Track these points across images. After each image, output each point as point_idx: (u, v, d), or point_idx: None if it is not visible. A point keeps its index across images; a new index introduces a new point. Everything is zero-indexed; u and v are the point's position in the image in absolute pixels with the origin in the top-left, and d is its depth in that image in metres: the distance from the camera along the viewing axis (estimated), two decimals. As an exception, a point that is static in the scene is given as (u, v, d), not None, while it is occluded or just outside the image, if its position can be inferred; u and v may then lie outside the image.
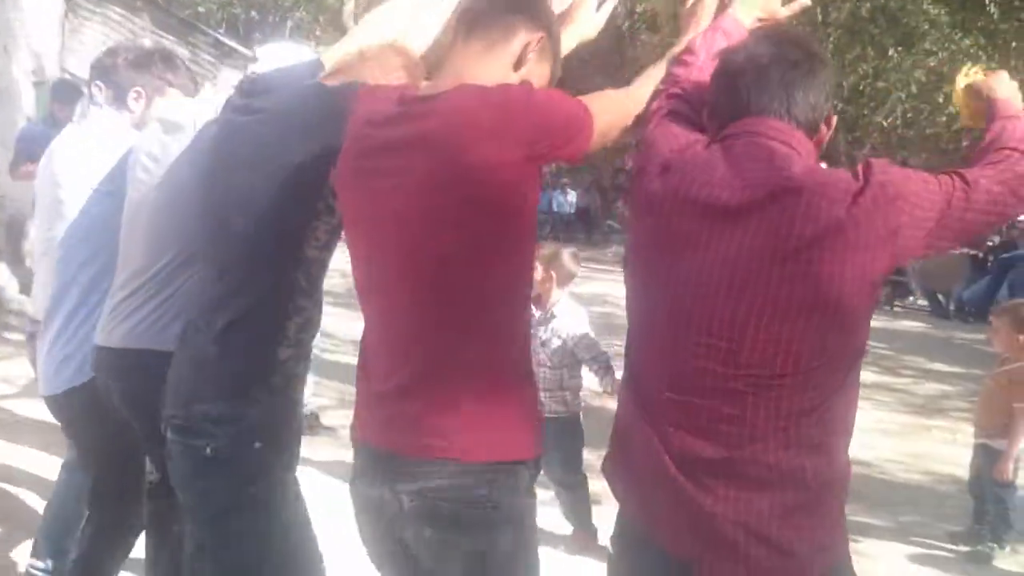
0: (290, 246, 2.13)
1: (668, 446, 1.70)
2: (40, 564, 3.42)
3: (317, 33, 24.75)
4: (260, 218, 2.08)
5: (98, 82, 3.09)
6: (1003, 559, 4.50)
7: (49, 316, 2.81)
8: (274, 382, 2.16)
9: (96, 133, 2.85)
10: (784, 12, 2.10)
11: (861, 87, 17.31)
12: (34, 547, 3.51)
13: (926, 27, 16.79)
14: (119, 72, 2.93)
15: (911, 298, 14.07)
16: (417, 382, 1.77)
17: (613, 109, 1.87)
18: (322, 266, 2.25)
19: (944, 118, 16.64)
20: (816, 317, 1.59)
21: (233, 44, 14.07)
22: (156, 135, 2.47)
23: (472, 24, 1.85)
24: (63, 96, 7.97)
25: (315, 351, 2.90)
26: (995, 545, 4.52)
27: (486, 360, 1.77)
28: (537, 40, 1.86)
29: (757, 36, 1.86)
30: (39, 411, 6.03)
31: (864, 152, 17.18)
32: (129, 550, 3.00)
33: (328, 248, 2.22)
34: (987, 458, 4.55)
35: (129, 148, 2.66)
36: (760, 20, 1.97)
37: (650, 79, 2.00)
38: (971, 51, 15.90)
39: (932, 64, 16.43)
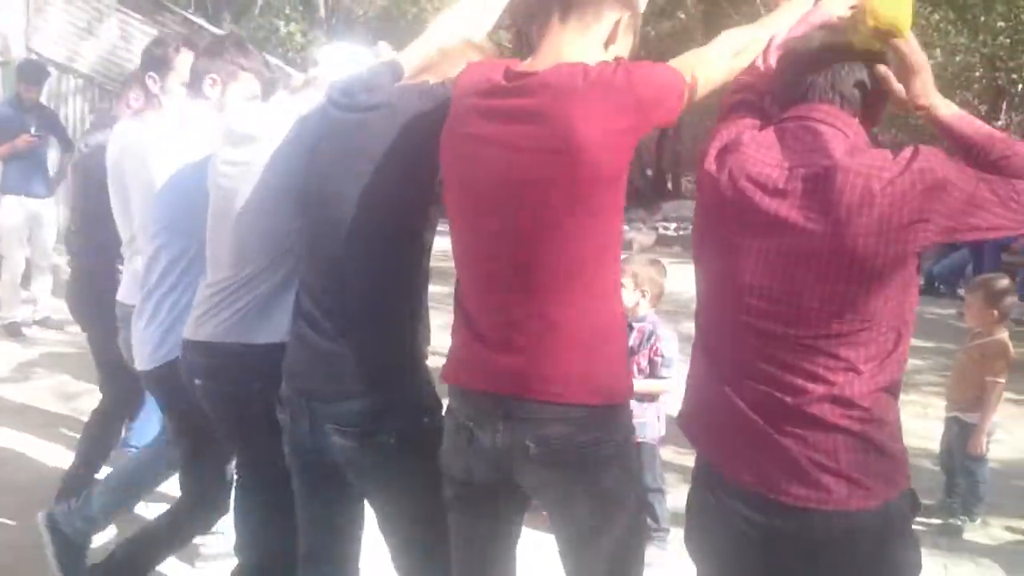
0: (411, 231, 2.26)
1: (741, 396, 1.91)
2: (61, 509, 3.54)
3: (287, 11, 24.53)
4: (383, 206, 2.21)
5: (152, 73, 3.34)
6: (974, 532, 4.57)
7: (148, 296, 2.96)
8: (416, 359, 2.32)
9: (185, 123, 2.95)
10: None
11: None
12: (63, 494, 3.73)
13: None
14: (171, 60, 3.25)
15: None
16: (531, 336, 1.96)
17: (707, 74, 1.99)
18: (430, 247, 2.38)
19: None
20: (858, 283, 1.79)
21: (202, 23, 13.92)
22: (232, 145, 2.56)
23: (567, 6, 2.02)
24: (28, 77, 7.88)
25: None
26: (966, 518, 4.58)
27: (591, 314, 1.96)
28: (625, 20, 2.06)
29: (813, 25, 2.00)
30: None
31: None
32: (202, 530, 3.20)
33: (435, 229, 2.34)
34: (959, 431, 4.60)
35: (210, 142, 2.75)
36: (852, 7, 2.01)
37: (743, 45, 2.06)
38: (941, 26, 15.98)
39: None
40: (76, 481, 4.02)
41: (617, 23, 2.04)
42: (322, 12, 26.10)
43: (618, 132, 1.88)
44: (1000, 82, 16.57)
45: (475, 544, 2.18)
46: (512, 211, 1.95)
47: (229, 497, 2.95)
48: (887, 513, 1.85)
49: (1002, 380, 4.48)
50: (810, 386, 1.84)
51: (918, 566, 1.92)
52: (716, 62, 2.02)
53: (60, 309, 8.34)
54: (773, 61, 2.01)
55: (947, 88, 13.93)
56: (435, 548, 2.25)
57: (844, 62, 1.93)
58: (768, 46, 2.02)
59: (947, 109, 1.97)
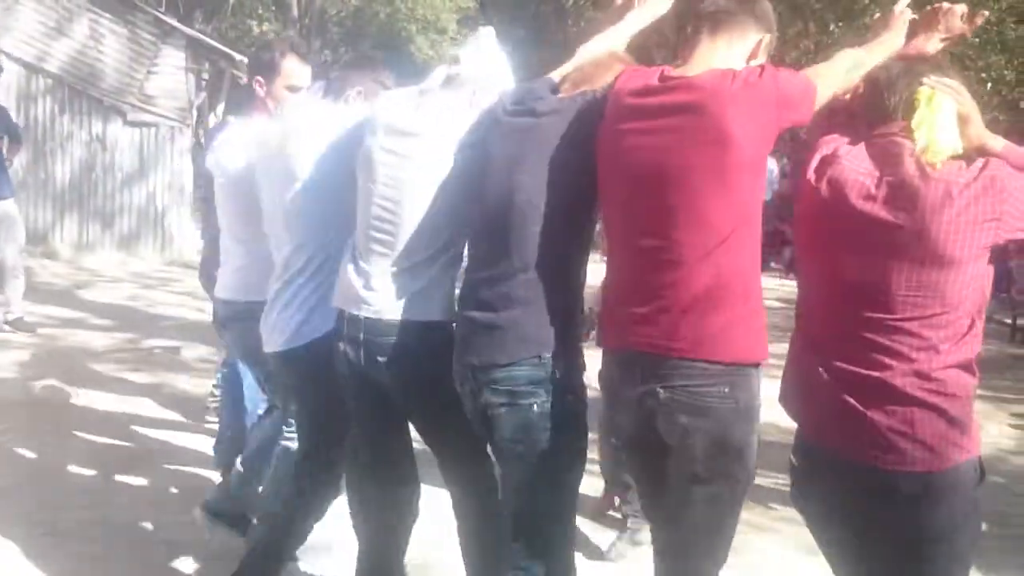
0: (577, 222, 2.55)
1: (832, 374, 2.21)
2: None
3: (259, 11, 24.44)
4: (554, 199, 2.48)
5: (259, 77, 3.55)
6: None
7: (288, 283, 3.11)
8: (570, 342, 2.54)
9: (330, 120, 3.11)
10: (963, 28, 2.56)
11: (803, 62, 17.48)
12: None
13: (867, 2, 16.98)
14: (278, 65, 3.51)
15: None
16: (677, 302, 2.28)
17: (828, 84, 2.33)
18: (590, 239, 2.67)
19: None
20: (939, 273, 2.11)
21: (173, 23, 13.81)
22: (391, 138, 2.79)
23: (716, 24, 2.39)
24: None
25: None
26: None
27: (731, 285, 2.28)
28: (766, 40, 2.44)
29: (896, 55, 2.44)
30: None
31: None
32: (324, 510, 3.27)
33: (595, 223, 2.62)
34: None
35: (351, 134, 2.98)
36: (943, 40, 2.47)
37: (856, 64, 2.40)
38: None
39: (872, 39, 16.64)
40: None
41: (759, 43, 2.43)
42: (295, 12, 26.01)
43: (762, 127, 2.22)
44: (971, 81, 16.72)
45: (645, 495, 2.60)
46: (665, 193, 2.28)
47: (340, 479, 3.23)
48: (956, 475, 2.13)
49: None
50: (894, 363, 2.15)
51: (979, 524, 2.23)
52: (834, 78, 2.35)
53: (32, 311, 8.31)
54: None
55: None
56: (562, 514, 2.62)
57: (908, 88, 2.26)
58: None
59: (997, 144, 2.28)
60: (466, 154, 2.71)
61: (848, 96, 2.40)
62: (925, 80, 2.25)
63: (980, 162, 2.14)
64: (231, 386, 4.51)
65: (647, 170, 2.31)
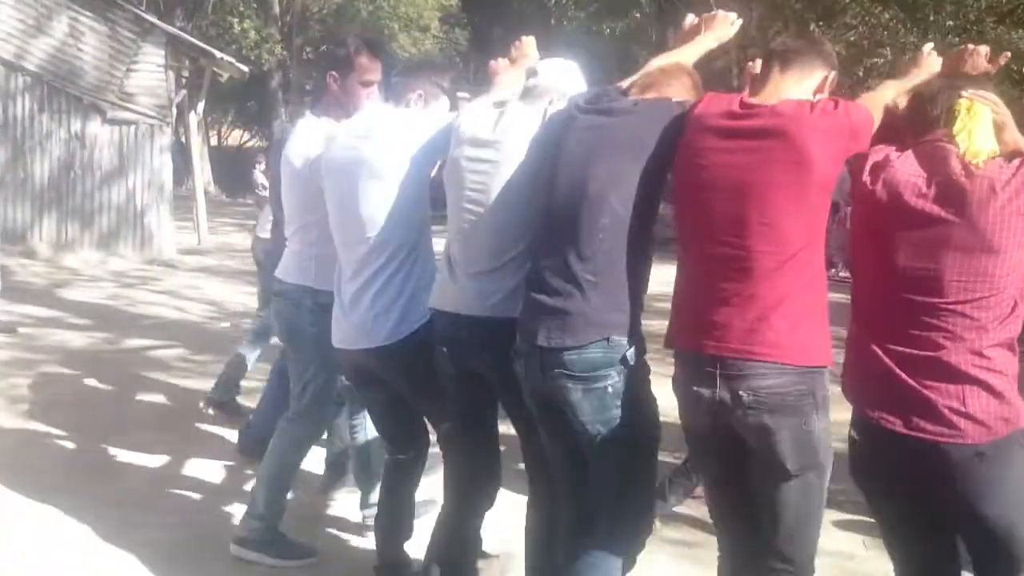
0: (646, 214, 2.73)
1: (891, 356, 2.45)
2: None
3: (240, 8, 24.33)
4: (627, 191, 2.68)
5: (333, 72, 3.70)
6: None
7: (371, 279, 3.24)
8: (635, 325, 2.73)
9: (409, 123, 3.28)
10: (988, 67, 2.96)
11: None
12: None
13: (847, 1, 17.08)
14: (353, 60, 3.66)
15: (833, 270, 14.35)
16: (749, 308, 2.49)
17: (878, 116, 2.65)
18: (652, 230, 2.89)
19: (864, 91, 16.92)
20: (986, 259, 2.37)
21: (153, 20, 13.76)
22: (477, 147, 3.01)
23: (786, 61, 2.66)
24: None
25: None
26: None
27: (799, 294, 2.51)
28: (831, 77, 2.70)
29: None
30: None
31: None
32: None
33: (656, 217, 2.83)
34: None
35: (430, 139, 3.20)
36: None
37: (896, 96, 2.80)
38: (891, 25, 16.22)
39: (852, 38, 16.71)
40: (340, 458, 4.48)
41: (824, 79, 2.68)
42: (276, 9, 25.94)
43: (836, 152, 2.50)
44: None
45: (716, 487, 2.82)
46: (745, 206, 2.50)
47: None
48: (1004, 445, 2.39)
49: None
50: (948, 343, 2.41)
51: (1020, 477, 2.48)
52: (880, 110, 2.68)
53: (11, 310, 8.26)
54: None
55: (897, 86, 14.12)
56: (640, 484, 2.84)
57: (948, 100, 2.54)
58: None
59: None
60: (539, 150, 2.90)
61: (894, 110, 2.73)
62: (964, 92, 2.53)
63: (1017, 160, 2.40)
64: (281, 379, 4.58)
65: (729, 185, 2.54)
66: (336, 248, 3.38)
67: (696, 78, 2.92)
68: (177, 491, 4.51)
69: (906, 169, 2.49)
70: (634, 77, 2.96)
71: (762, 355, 2.48)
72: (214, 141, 31.11)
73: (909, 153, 2.52)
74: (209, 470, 4.80)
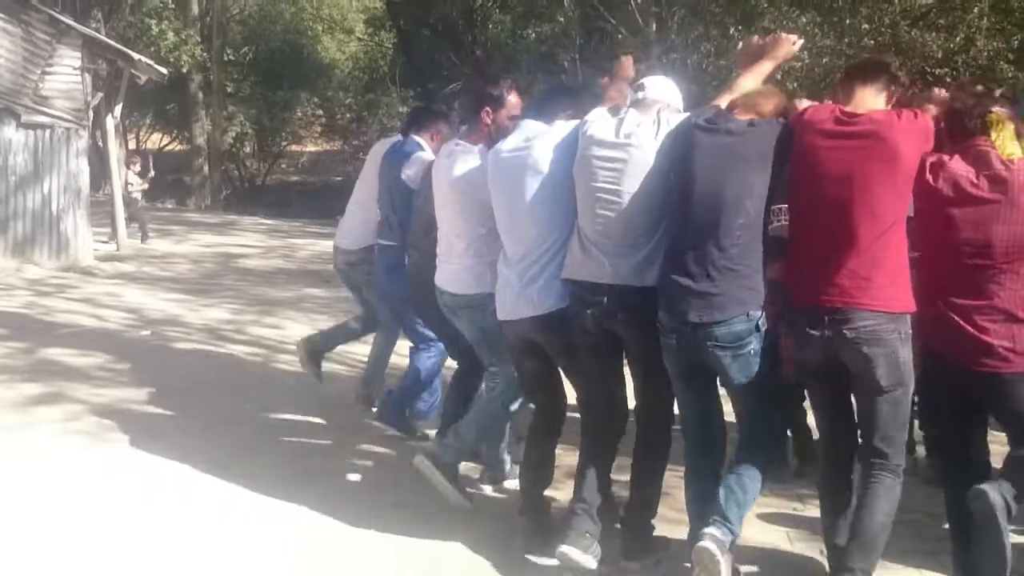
0: (765, 211, 3.57)
1: (953, 309, 3.46)
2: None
3: (159, 10, 23.87)
4: (748, 193, 3.51)
5: (487, 108, 4.51)
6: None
7: (533, 263, 4.00)
8: (761, 298, 3.53)
9: (557, 132, 4.03)
10: (793, 52, 4.00)
11: (704, 65, 17.82)
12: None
13: (765, 5, 17.36)
14: (504, 98, 4.50)
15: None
16: (851, 270, 3.36)
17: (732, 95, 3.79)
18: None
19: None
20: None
21: (69, 21, 13.43)
22: (608, 149, 3.78)
23: (866, 77, 3.59)
24: None
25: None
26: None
27: (890, 259, 3.39)
28: (897, 90, 3.65)
29: (963, 94, 3.99)
30: None
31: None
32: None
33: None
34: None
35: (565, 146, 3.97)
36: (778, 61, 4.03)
37: (753, 84, 3.88)
38: (808, 28, 16.50)
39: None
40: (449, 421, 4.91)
41: (891, 92, 3.61)
42: (195, 11, 25.53)
43: (918, 151, 3.41)
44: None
45: (824, 406, 3.71)
46: (851, 192, 3.36)
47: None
48: None
49: None
50: (1000, 292, 3.41)
51: None
52: (739, 91, 3.82)
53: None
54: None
55: (814, 89, 14.41)
56: (763, 413, 3.73)
57: (982, 115, 3.57)
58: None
59: None
60: (667, 159, 3.68)
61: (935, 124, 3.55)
62: (993, 109, 3.56)
63: None
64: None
65: (835, 177, 3.39)
66: (503, 239, 4.14)
67: (782, 98, 3.78)
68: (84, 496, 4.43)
69: (960, 168, 3.46)
70: (732, 97, 3.78)
71: (866, 305, 3.34)
72: (132, 145, 30.49)
73: (957, 157, 3.48)
74: (128, 476, 4.70)
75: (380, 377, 6.20)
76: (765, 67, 3.93)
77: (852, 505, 3.64)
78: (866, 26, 17.28)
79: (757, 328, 3.52)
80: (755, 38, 4.02)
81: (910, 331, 3.43)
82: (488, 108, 4.50)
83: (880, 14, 17.33)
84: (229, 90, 29.07)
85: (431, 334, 5.39)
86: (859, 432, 3.62)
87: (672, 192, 3.67)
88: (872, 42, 17.04)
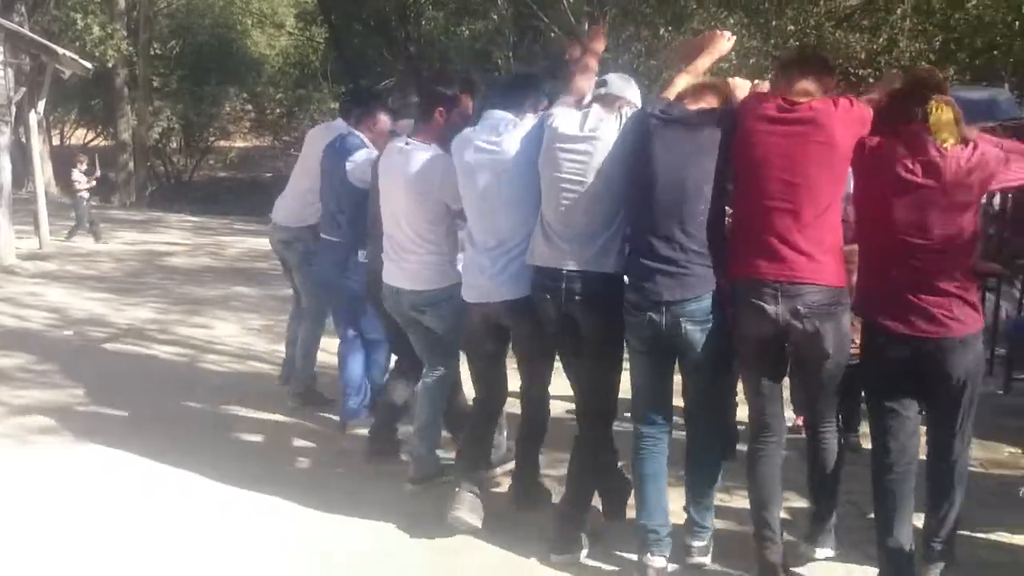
0: (721, 191, 3.79)
1: (899, 282, 3.63)
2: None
3: (84, 3, 23.41)
4: (708, 177, 3.74)
5: (440, 108, 4.58)
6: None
7: (504, 253, 4.18)
8: (717, 273, 3.76)
9: (524, 127, 4.19)
10: (728, 49, 4.25)
11: (635, 65, 17.94)
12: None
13: (694, 6, 17.58)
14: (459, 99, 4.65)
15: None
16: (797, 245, 3.60)
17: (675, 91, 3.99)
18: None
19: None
20: (960, 214, 3.57)
21: (-12, 14, 13.11)
22: (571, 143, 3.96)
23: (805, 68, 3.77)
24: None
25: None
26: None
27: (831, 235, 3.66)
28: (833, 80, 3.85)
29: (898, 78, 4.14)
30: None
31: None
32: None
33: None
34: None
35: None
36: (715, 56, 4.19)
37: (691, 80, 4.02)
38: (735, 29, 16.74)
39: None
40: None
41: (830, 81, 3.80)
42: (122, 5, 25.04)
43: (854, 135, 3.65)
44: (790, 83, 17.50)
45: (758, 375, 3.85)
46: (792, 173, 3.61)
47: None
48: (975, 336, 3.68)
49: None
50: (936, 269, 3.58)
51: (983, 363, 3.97)
52: (680, 88, 3.99)
53: None
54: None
55: (742, 89, 14.61)
56: (722, 384, 4.15)
57: (922, 99, 3.63)
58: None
59: (972, 133, 3.63)
60: (628, 148, 3.88)
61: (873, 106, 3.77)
62: (933, 97, 3.60)
63: (971, 146, 3.56)
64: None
65: (777, 159, 3.63)
66: (472, 227, 4.30)
67: (725, 87, 3.96)
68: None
69: (895, 151, 3.60)
70: (677, 90, 3.96)
71: (811, 279, 3.61)
72: (56, 141, 29.85)
73: (894, 140, 3.62)
74: (48, 480, 4.62)
75: (311, 371, 6.26)
76: (702, 64, 4.11)
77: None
78: (792, 27, 17.61)
79: (720, 304, 3.78)
80: (691, 39, 4.37)
81: (848, 301, 3.75)
82: (442, 108, 4.60)
83: (805, 15, 17.67)
84: (155, 85, 28.59)
85: (374, 333, 5.54)
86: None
87: (633, 182, 3.86)
88: (797, 43, 17.36)
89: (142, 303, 9.80)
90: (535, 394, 4.46)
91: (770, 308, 3.62)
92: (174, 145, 31.02)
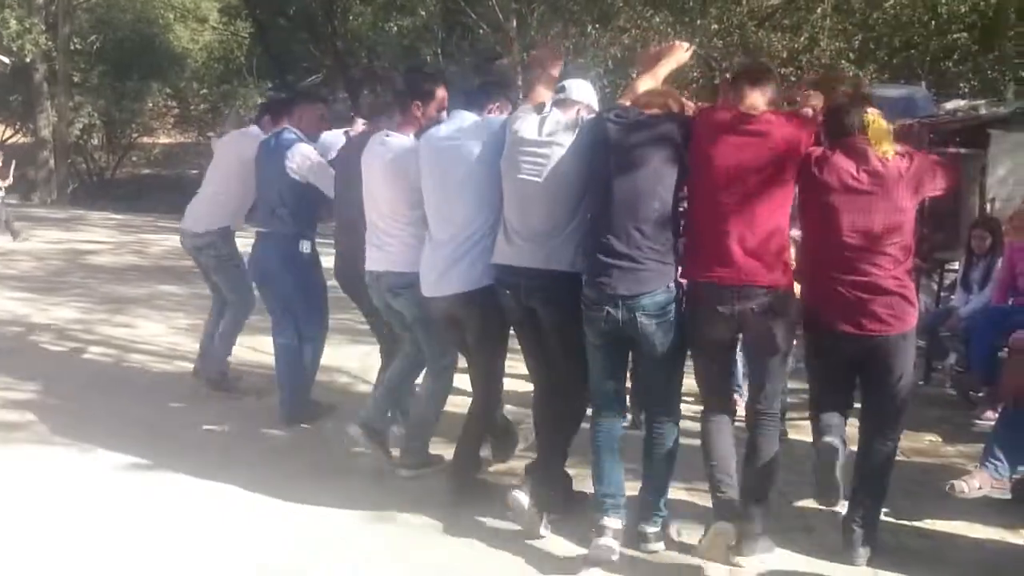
0: (678, 196, 4.01)
1: (841, 283, 3.91)
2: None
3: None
4: (661, 176, 3.96)
5: (417, 101, 4.86)
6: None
7: (459, 245, 4.39)
8: (677, 272, 4.02)
9: (487, 127, 4.44)
10: (686, 59, 4.60)
11: (564, 63, 18.08)
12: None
13: (620, 4, 17.74)
14: (435, 92, 4.88)
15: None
16: (745, 249, 3.85)
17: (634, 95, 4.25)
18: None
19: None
20: (899, 217, 3.89)
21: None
22: (532, 147, 4.18)
23: (755, 82, 4.00)
24: None
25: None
26: None
27: (776, 238, 3.90)
28: (777, 93, 4.07)
29: (846, 95, 4.38)
30: None
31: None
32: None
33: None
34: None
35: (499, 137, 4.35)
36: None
37: (652, 84, 4.33)
38: (661, 28, 16.94)
39: (626, 41, 17.36)
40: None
41: (775, 91, 4.05)
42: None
43: (797, 145, 3.91)
44: (716, 81, 17.76)
45: (713, 368, 4.17)
46: (745, 179, 3.86)
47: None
48: (912, 333, 4.02)
49: None
50: (878, 271, 3.89)
51: (914, 355, 4.17)
52: (637, 93, 4.28)
53: None
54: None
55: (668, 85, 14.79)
56: (675, 375, 4.20)
57: (859, 115, 4.00)
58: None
59: (897, 147, 3.98)
60: (587, 152, 4.09)
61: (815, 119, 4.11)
62: (869, 110, 3.99)
63: (908, 156, 3.94)
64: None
65: (730, 165, 3.87)
66: (429, 219, 4.53)
67: (678, 97, 4.22)
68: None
69: (841, 162, 3.91)
70: (636, 97, 4.17)
71: (760, 282, 3.86)
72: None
73: (838, 152, 3.94)
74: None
75: (226, 358, 6.44)
76: (662, 70, 4.39)
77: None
78: (716, 26, 17.86)
79: (677, 299, 3.99)
80: (652, 48, 4.67)
81: (794, 302, 4.02)
82: (418, 102, 4.85)
83: (729, 15, 17.94)
84: (76, 80, 27.90)
85: (311, 328, 5.80)
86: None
87: (591, 182, 4.09)
88: (721, 42, 17.63)
89: (65, 302, 9.60)
90: (483, 382, 4.68)
91: (725, 310, 3.89)
92: (96, 142, 30.31)
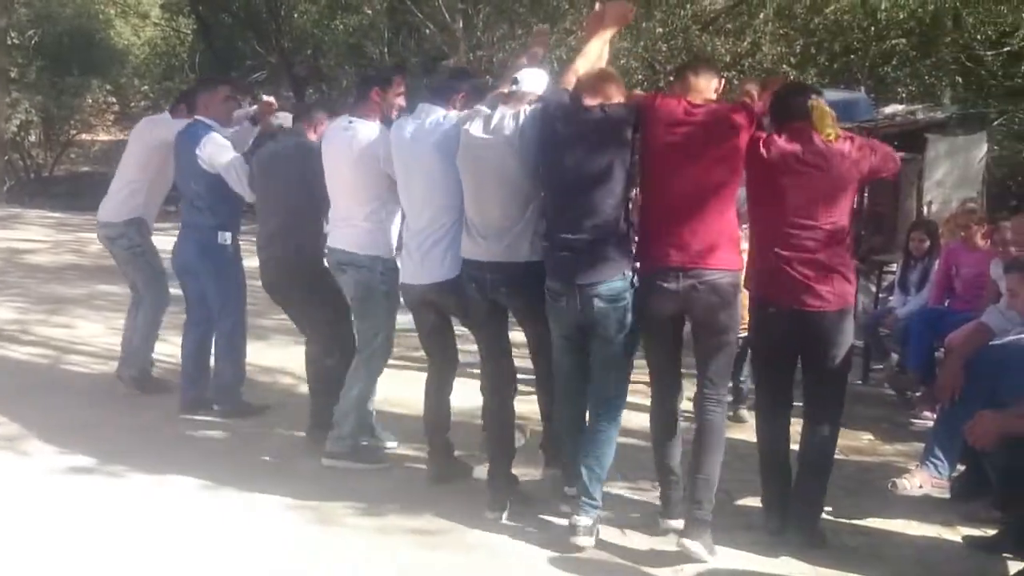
0: (625, 181, 4.13)
1: (786, 261, 4.06)
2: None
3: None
4: (610, 167, 4.05)
5: (377, 88, 5.00)
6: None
7: (431, 235, 4.56)
8: (630, 256, 4.18)
9: (453, 122, 4.51)
10: (628, 18, 4.79)
11: (510, 63, 18.13)
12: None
13: (567, 6, 17.81)
14: (393, 81, 5.08)
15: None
16: (696, 235, 3.99)
17: (587, 64, 4.41)
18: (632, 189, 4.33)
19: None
20: (840, 196, 4.08)
21: None
22: (482, 139, 4.28)
23: (698, 72, 4.23)
24: None
25: None
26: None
27: (728, 226, 4.07)
28: (722, 81, 4.36)
29: (785, 84, 4.84)
30: None
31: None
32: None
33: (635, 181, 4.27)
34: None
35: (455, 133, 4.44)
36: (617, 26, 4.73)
37: (599, 47, 4.54)
38: (607, 31, 16.99)
39: (572, 42, 17.43)
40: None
41: (719, 82, 4.30)
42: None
43: (739, 128, 4.02)
44: (660, 83, 17.92)
45: (662, 349, 4.28)
46: (689, 168, 4.00)
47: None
48: (848, 309, 4.18)
49: None
50: (820, 248, 4.04)
51: (852, 333, 4.28)
52: (594, 59, 4.48)
53: None
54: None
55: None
56: (624, 362, 4.27)
57: (804, 100, 4.15)
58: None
59: (840, 131, 4.12)
60: (535, 145, 4.19)
61: (760, 106, 4.25)
62: (812, 97, 4.12)
63: (851, 140, 4.10)
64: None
65: (680, 154, 4.00)
66: (404, 211, 4.72)
67: (622, 83, 4.28)
68: None
69: (787, 145, 4.06)
70: (579, 84, 4.23)
71: (709, 264, 3.98)
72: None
73: (783, 136, 4.08)
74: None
75: (149, 356, 6.45)
76: (608, 33, 4.55)
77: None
78: (660, 30, 18.00)
79: (632, 285, 4.11)
80: (596, 6, 4.71)
81: (740, 283, 4.15)
82: (377, 87, 5.01)
83: (673, 19, 18.09)
84: (13, 75, 27.33)
85: (228, 320, 5.87)
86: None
87: (542, 175, 4.22)
88: (665, 46, 17.78)
89: (2, 303, 9.42)
90: (492, 362, 4.74)
91: (671, 286, 4.01)
92: (33, 138, 29.71)
